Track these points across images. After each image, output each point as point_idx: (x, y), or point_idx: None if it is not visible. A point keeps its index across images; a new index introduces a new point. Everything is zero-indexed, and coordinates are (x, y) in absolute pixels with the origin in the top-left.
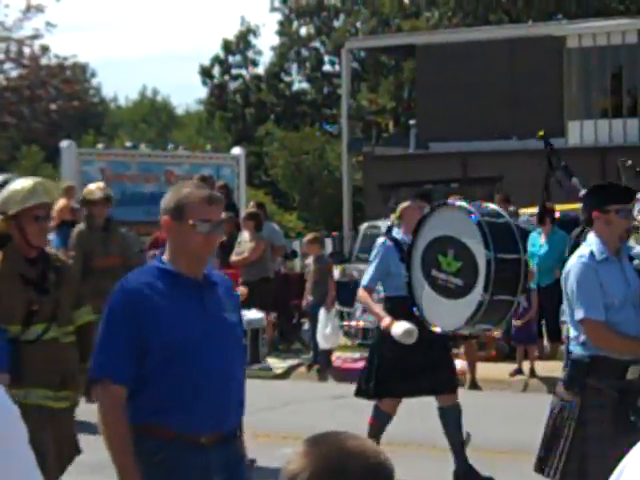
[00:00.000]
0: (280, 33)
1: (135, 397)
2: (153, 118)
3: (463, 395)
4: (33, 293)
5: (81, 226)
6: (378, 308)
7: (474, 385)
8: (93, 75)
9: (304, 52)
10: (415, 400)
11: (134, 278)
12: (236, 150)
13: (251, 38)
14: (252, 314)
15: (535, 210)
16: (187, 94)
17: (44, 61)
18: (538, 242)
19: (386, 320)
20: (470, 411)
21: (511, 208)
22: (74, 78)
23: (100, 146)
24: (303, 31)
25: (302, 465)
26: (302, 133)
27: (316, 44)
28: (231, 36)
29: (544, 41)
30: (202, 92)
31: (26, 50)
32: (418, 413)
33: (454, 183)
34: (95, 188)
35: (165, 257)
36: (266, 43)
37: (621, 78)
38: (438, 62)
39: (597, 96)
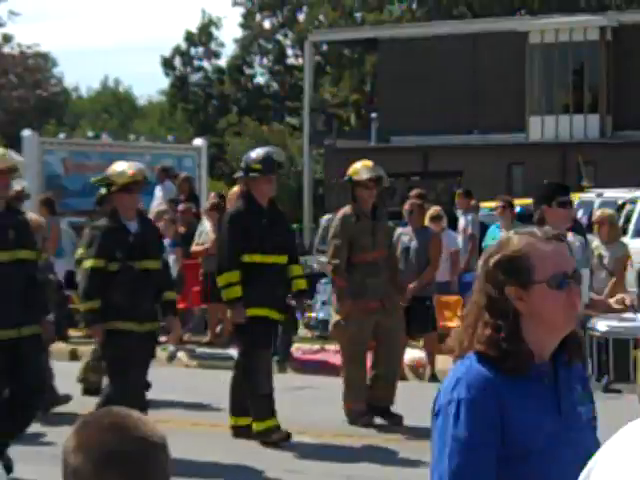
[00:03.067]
0: (243, 26)
1: None
2: (115, 108)
3: (423, 387)
4: None
5: (347, 210)
6: None
7: (434, 377)
8: (54, 65)
9: (267, 45)
10: None
11: None
12: (198, 141)
13: (213, 30)
14: None
15: (495, 204)
16: (149, 85)
17: (6, 50)
18: (498, 236)
19: None
20: (430, 403)
21: (472, 202)
22: (36, 67)
23: (62, 136)
24: (267, 24)
25: (80, 458)
26: (270, 128)
27: (279, 37)
28: (193, 28)
29: (507, 36)
30: (164, 83)
31: None
32: None
33: (415, 177)
34: (362, 166)
35: None
36: (229, 35)
37: (582, 74)
38: (400, 56)
39: (558, 92)
